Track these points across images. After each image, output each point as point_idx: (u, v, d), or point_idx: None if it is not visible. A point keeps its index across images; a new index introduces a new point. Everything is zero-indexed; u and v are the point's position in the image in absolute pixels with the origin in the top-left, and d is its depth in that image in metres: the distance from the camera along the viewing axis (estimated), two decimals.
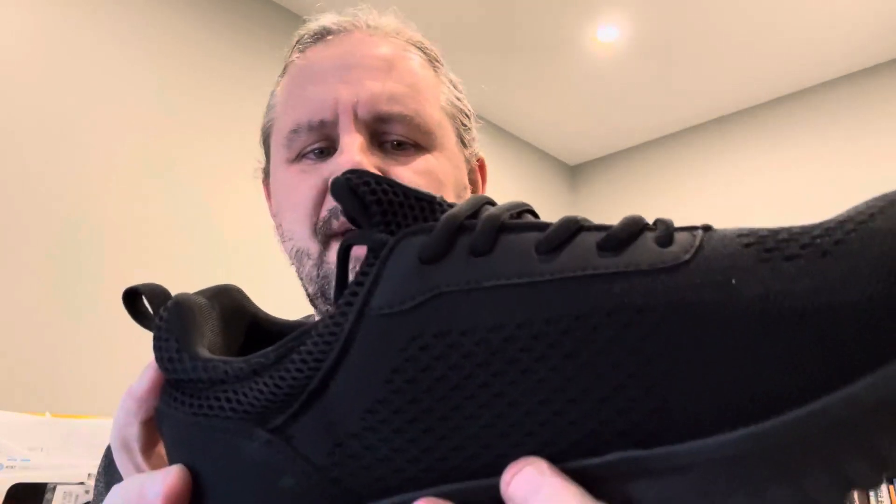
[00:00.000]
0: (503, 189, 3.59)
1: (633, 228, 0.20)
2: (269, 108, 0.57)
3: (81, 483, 1.69)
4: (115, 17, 2.45)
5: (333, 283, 0.48)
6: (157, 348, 0.24)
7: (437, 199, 0.22)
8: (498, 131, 4.11)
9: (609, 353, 0.18)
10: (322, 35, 0.54)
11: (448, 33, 3.19)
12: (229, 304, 0.28)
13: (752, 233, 0.19)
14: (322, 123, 0.50)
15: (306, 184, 0.50)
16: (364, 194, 0.22)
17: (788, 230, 0.19)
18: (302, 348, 0.21)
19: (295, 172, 0.51)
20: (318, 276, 0.50)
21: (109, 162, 2.35)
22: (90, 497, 1.71)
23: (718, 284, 0.18)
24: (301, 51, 0.55)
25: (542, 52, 3.44)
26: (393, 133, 0.50)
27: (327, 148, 0.51)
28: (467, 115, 0.58)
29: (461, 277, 0.20)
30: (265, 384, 0.21)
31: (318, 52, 0.53)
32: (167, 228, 2.42)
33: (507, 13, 3.13)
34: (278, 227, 0.54)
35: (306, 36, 0.56)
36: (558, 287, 0.19)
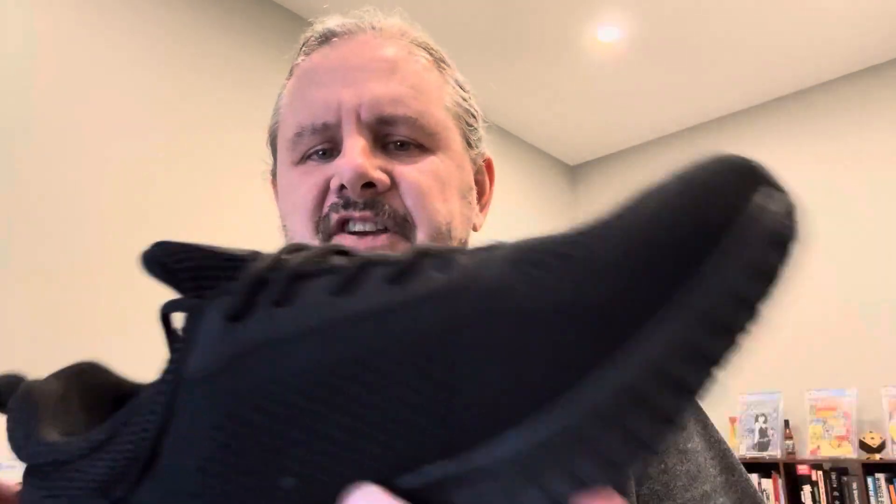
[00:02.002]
0: (503, 189, 3.59)
1: (414, 258, 0.21)
2: (276, 110, 0.57)
3: None
4: (119, 19, 2.45)
5: None
6: (9, 438, 0.25)
7: (247, 256, 0.23)
8: (498, 131, 4.11)
9: (389, 389, 0.19)
10: (327, 37, 0.55)
11: (448, 34, 3.18)
12: (90, 381, 0.29)
13: (504, 245, 0.21)
14: (325, 126, 0.50)
15: (308, 184, 0.50)
16: (170, 264, 0.23)
17: (542, 238, 0.20)
18: (132, 419, 0.22)
19: (298, 174, 0.52)
20: None
21: (112, 163, 2.35)
22: None
23: (479, 296, 0.19)
24: (306, 53, 0.56)
25: (543, 52, 3.44)
26: (396, 134, 0.50)
27: (331, 150, 0.51)
28: (474, 116, 0.58)
29: (265, 331, 0.21)
30: (104, 458, 0.22)
31: (323, 55, 0.54)
32: (170, 230, 2.42)
33: (508, 14, 3.13)
34: (283, 227, 0.55)
35: (312, 38, 0.56)
36: (343, 329, 0.20)
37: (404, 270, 0.21)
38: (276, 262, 0.22)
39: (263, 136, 0.61)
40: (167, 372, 0.22)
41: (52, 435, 0.24)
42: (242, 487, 0.20)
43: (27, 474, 0.25)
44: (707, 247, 0.17)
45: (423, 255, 0.21)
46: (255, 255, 0.23)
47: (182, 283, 0.23)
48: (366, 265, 0.22)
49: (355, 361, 0.19)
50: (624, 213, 0.19)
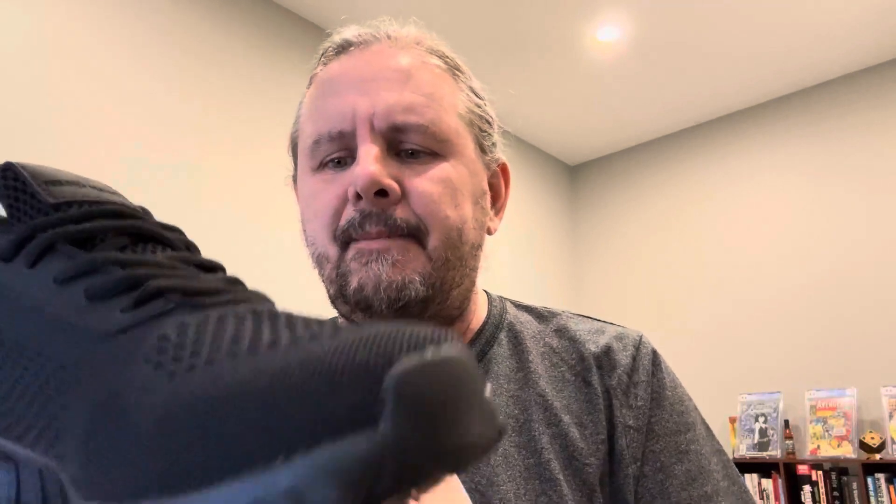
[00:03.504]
0: None
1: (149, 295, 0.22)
2: (296, 118, 0.60)
3: None
4: (132, 23, 2.45)
5: (350, 281, 0.50)
6: None
7: (50, 207, 0.24)
8: (498, 131, 4.11)
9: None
10: (344, 48, 0.57)
11: (448, 34, 3.18)
12: None
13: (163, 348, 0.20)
14: (341, 134, 0.52)
15: (328, 193, 0.52)
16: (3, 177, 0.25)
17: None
18: None
19: (318, 181, 0.54)
20: (336, 276, 0.52)
21: (118, 165, 2.35)
22: None
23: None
24: (325, 63, 0.58)
25: (543, 52, 3.44)
26: (409, 142, 0.52)
27: (346, 157, 0.53)
28: (488, 122, 0.60)
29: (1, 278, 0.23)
30: None
31: (340, 65, 0.56)
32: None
33: (508, 14, 3.13)
34: (304, 232, 0.57)
35: (330, 49, 0.58)
36: (25, 312, 0.22)
37: (138, 300, 0.21)
38: (58, 225, 0.23)
39: (271, 141, 0.63)
40: None
41: None
42: None
43: None
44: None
45: (161, 293, 0.22)
46: (62, 208, 0.24)
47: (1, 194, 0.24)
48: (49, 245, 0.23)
49: (13, 347, 0.21)
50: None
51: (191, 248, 0.26)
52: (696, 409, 0.59)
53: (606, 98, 3.88)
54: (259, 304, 0.21)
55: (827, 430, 3.24)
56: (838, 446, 3.19)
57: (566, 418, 0.54)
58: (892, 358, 3.20)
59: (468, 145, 0.56)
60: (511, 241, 3.85)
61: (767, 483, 3.31)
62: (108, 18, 2.44)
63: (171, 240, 0.25)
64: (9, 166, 0.25)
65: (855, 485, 3.11)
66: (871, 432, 3.14)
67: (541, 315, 0.63)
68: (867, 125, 3.53)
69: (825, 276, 3.48)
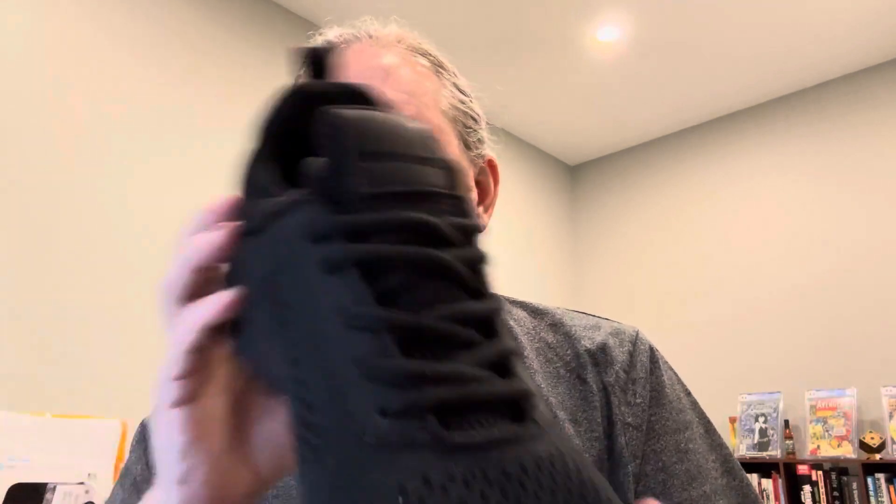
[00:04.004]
0: (503, 189, 3.59)
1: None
2: None
3: (81, 483, 1.69)
4: (124, 19, 2.45)
5: None
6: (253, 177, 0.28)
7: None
8: (498, 131, 4.11)
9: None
10: None
11: (448, 34, 3.19)
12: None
13: None
14: None
15: None
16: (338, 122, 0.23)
17: None
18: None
19: None
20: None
21: (117, 164, 2.35)
22: (90, 497, 1.71)
23: None
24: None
25: (543, 52, 3.44)
26: None
27: None
28: (473, 118, 0.60)
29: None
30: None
31: None
32: (171, 231, 2.42)
33: (508, 14, 3.13)
34: None
35: None
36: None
37: (400, 412, 0.20)
38: (354, 235, 0.22)
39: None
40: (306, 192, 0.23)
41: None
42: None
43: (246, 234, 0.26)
44: None
45: None
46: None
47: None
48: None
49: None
50: None
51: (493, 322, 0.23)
52: (694, 404, 0.58)
53: (606, 98, 3.88)
54: (540, 444, 0.19)
55: (827, 430, 3.24)
56: (838, 446, 3.19)
57: (561, 414, 0.53)
58: (892, 358, 3.20)
59: (451, 141, 0.56)
60: (511, 241, 3.85)
61: (767, 483, 3.30)
62: (107, 16, 2.44)
63: (474, 293, 0.23)
64: (332, 116, 0.23)
65: (855, 485, 3.11)
66: (871, 432, 3.14)
67: (535, 310, 0.63)
68: (867, 125, 3.53)
69: (825, 276, 3.48)
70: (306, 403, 0.21)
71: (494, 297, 0.23)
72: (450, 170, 0.24)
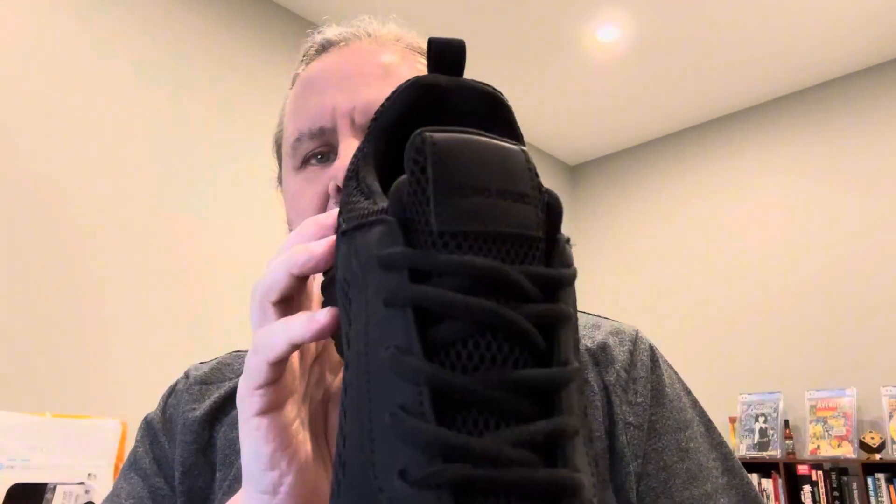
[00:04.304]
0: None
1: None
2: (280, 119, 0.60)
3: (81, 483, 1.69)
4: (124, 20, 2.45)
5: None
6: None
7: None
8: None
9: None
10: (325, 47, 0.58)
11: (447, 34, 3.19)
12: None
13: None
14: (322, 130, 0.53)
15: (310, 192, 0.53)
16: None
17: None
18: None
19: (300, 180, 0.54)
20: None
21: (118, 165, 2.35)
22: (90, 497, 1.71)
23: None
24: (306, 63, 0.58)
25: (543, 52, 3.44)
26: None
27: (328, 152, 0.54)
28: None
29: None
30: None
31: (321, 64, 0.56)
32: (171, 231, 2.42)
33: (507, 14, 3.13)
34: (290, 231, 0.57)
35: (311, 49, 0.59)
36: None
37: (422, 481, 0.19)
38: (421, 276, 0.21)
39: (263, 140, 0.63)
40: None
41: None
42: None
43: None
44: None
45: None
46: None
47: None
48: None
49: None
50: None
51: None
52: (694, 402, 0.58)
53: (606, 98, 3.88)
54: None
55: (827, 430, 3.24)
56: (838, 446, 3.19)
57: None
58: (892, 358, 3.20)
59: None
60: None
61: (767, 483, 3.30)
62: (107, 17, 2.44)
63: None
64: (423, 141, 0.21)
65: (855, 485, 3.11)
66: (871, 432, 3.14)
67: None
68: (867, 125, 3.53)
69: (825, 276, 3.48)
70: (343, 434, 0.21)
71: (568, 366, 0.20)
72: (546, 209, 0.22)
